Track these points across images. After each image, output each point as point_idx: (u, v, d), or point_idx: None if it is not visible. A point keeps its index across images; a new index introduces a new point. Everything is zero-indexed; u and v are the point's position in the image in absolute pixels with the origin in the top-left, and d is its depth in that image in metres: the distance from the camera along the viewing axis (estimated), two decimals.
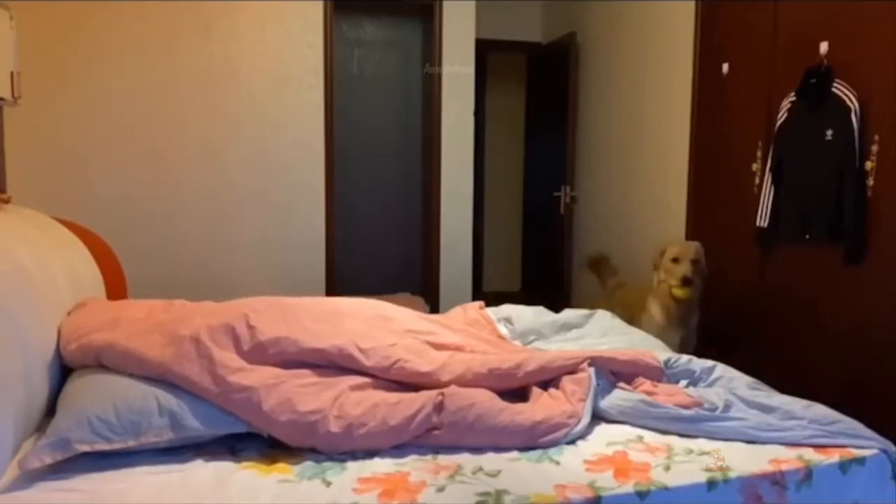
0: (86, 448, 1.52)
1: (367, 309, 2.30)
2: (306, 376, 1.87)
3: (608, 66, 4.66)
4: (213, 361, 1.77)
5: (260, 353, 1.89)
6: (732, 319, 3.34)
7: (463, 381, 1.94)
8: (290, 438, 1.70)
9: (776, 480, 1.63)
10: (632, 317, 3.14)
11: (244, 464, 1.61)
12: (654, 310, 3.19)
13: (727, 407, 1.91)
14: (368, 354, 1.97)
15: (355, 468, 1.61)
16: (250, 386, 1.73)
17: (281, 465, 1.61)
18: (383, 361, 1.96)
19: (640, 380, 2.09)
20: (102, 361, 1.81)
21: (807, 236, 2.81)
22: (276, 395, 1.73)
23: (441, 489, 1.51)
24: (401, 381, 1.96)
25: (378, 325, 2.18)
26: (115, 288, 2.90)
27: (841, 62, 2.67)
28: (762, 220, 3.02)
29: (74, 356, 1.85)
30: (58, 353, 1.87)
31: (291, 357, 1.92)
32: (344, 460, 1.64)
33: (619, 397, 1.95)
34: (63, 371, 1.88)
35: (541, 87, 5.66)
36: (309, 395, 1.77)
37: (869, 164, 2.54)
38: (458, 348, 2.17)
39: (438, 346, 2.14)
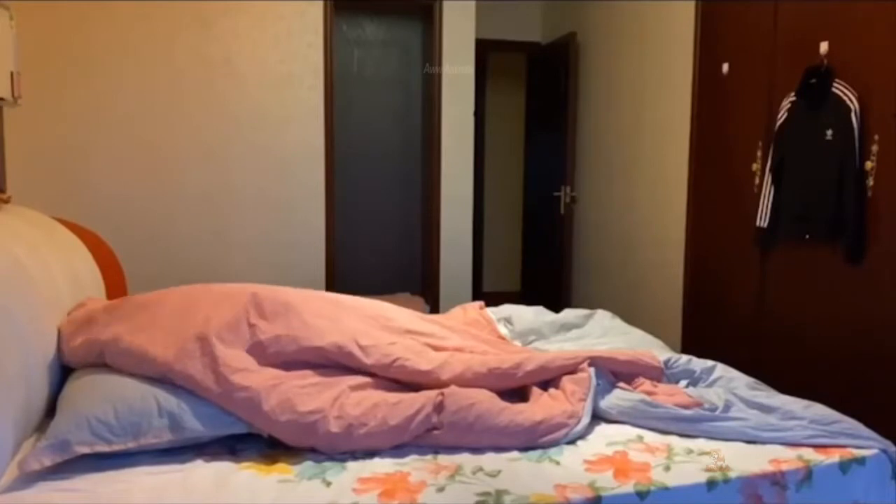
0: (85, 450, 1.52)
1: (368, 308, 2.30)
2: (307, 377, 1.87)
3: (608, 66, 4.66)
4: (216, 360, 1.78)
5: (260, 352, 1.89)
6: (732, 320, 3.33)
7: (463, 380, 1.94)
8: (290, 438, 1.70)
9: (776, 480, 1.63)
10: None
11: (244, 464, 1.61)
12: None
13: (727, 407, 1.91)
14: (368, 352, 1.97)
15: (355, 468, 1.60)
16: (251, 386, 1.73)
17: (281, 465, 1.61)
18: (383, 359, 1.96)
19: (640, 380, 2.09)
20: (106, 359, 1.81)
21: (807, 236, 2.81)
22: (276, 396, 1.73)
23: (441, 489, 1.51)
24: (400, 381, 1.96)
25: (378, 324, 2.18)
26: (115, 288, 2.90)
27: (841, 62, 2.67)
28: (762, 220, 3.02)
29: (78, 352, 1.84)
30: (58, 353, 1.87)
31: (290, 356, 1.92)
32: (344, 460, 1.64)
33: (618, 397, 1.95)
34: (63, 371, 1.88)
35: (541, 87, 5.66)
36: (309, 396, 1.77)
37: (869, 164, 2.54)
38: (457, 350, 2.17)
39: (438, 349, 2.14)
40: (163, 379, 1.75)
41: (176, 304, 2.00)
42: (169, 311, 1.97)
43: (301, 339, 1.94)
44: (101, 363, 1.84)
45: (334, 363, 1.96)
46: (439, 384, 1.93)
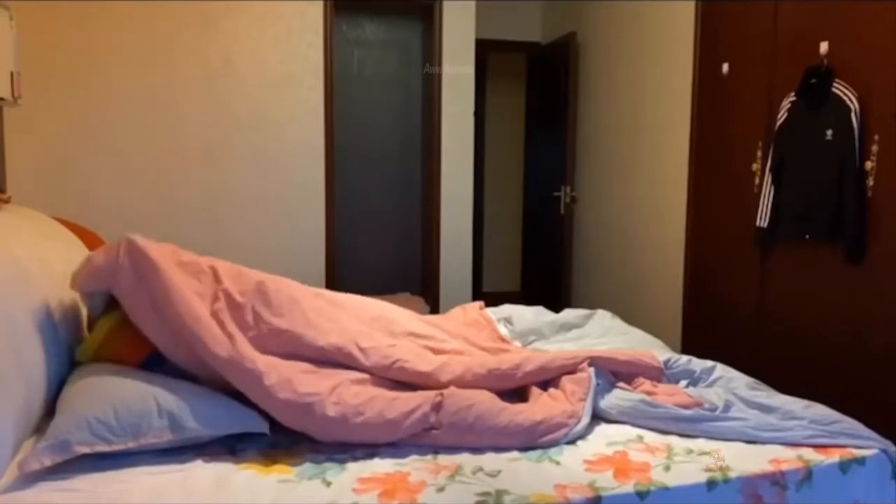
0: (86, 450, 1.52)
1: (369, 310, 2.30)
2: (307, 367, 1.90)
3: (608, 66, 4.66)
4: (228, 332, 1.82)
5: (260, 343, 1.91)
6: (732, 320, 3.33)
7: (462, 381, 1.94)
8: (286, 418, 1.71)
9: (776, 480, 1.63)
10: None
11: (244, 464, 1.61)
12: None
13: (727, 407, 1.91)
14: (368, 354, 1.97)
15: (355, 468, 1.61)
16: (256, 360, 1.76)
17: (281, 466, 1.61)
18: (382, 361, 1.97)
19: (640, 380, 2.09)
20: (148, 280, 1.82)
21: (807, 236, 2.81)
22: (278, 374, 1.76)
23: (441, 489, 1.51)
24: (400, 381, 1.97)
25: (380, 326, 2.19)
26: None
27: (841, 62, 2.67)
28: (762, 220, 3.02)
29: (107, 253, 1.86)
30: (57, 353, 1.87)
31: (290, 352, 1.93)
32: (344, 461, 1.64)
33: (618, 397, 1.95)
34: (63, 372, 1.88)
35: (541, 87, 5.66)
36: (309, 380, 1.79)
37: (869, 164, 2.54)
38: (457, 353, 2.18)
39: (437, 352, 2.15)
40: (171, 337, 1.79)
41: (201, 269, 2.07)
42: (194, 271, 2.03)
43: (302, 336, 1.95)
44: (108, 289, 1.85)
45: (334, 363, 1.96)
46: (439, 386, 1.93)
